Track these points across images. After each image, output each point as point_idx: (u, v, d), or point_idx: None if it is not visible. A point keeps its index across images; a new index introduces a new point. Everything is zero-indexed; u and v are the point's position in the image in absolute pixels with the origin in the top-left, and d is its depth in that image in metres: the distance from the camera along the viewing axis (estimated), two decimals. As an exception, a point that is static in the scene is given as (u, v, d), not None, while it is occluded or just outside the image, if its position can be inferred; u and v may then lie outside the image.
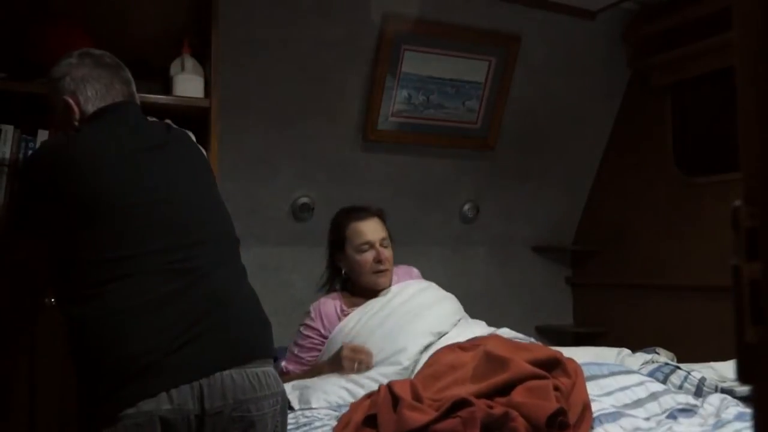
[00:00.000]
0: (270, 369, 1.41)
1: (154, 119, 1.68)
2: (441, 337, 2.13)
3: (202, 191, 1.52)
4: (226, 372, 1.32)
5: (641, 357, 2.27)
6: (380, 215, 2.35)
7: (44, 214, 1.41)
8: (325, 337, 2.21)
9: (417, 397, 1.61)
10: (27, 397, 1.90)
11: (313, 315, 2.25)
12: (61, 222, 1.37)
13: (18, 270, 1.88)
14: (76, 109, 1.50)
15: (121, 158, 1.41)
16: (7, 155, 1.87)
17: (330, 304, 2.27)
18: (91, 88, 1.51)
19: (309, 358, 2.22)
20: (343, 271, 2.34)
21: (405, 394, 1.61)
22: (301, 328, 2.26)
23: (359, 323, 2.16)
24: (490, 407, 1.54)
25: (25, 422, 1.89)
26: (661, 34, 3.03)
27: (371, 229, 2.28)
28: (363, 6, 2.60)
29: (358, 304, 2.25)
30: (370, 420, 1.61)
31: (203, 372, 1.29)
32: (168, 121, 1.67)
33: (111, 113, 1.51)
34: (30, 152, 1.89)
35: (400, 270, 2.42)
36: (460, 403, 1.52)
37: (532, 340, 2.23)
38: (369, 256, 2.25)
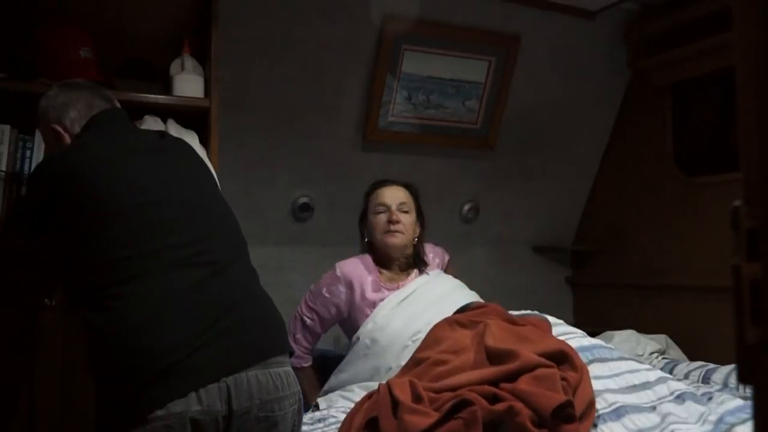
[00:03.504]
0: (289, 369, 1.43)
1: (147, 128, 1.71)
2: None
3: (208, 192, 1.56)
4: (252, 372, 1.32)
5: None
6: (408, 186, 2.40)
7: (55, 220, 1.43)
8: (339, 306, 2.24)
9: (417, 396, 1.60)
10: (27, 397, 1.90)
11: (338, 274, 2.27)
12: (72, 227, 1.38)
13: (18, 270, 1.88)
14: (64, 134, 1.56)
15: (123, 160, 1.45)
16: (5, 154, 1.88)
17: (361, 270, 2.28)
18: (73, 109, 1.57)
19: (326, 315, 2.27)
20: (365, 240, 2.38)
21: (405, 395, 1.59)
22: (323, 290, 2.27)
23: (389, 312, 2.18)
24: (495, 396, 1.53)
25: (25, 422, 1.89)
26: (661, 34, 3.03)
27: (389, 194, 2.34)
28: (363, 6, 2.60)
29: (389, 279, 2.29)
30: (372, 423, 1.61)
31: (229, 370, 1.30)
32: (162, 129, 1.70)
33: (102, 119, 1.56)
34: (28, 151, 1.91)
35: (432, 249, 2.45)
36: (461, 404, 1.52)
37: (536, 312, 2.21)
38: (383, 217, 2.30)
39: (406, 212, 2.32)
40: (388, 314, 2.16)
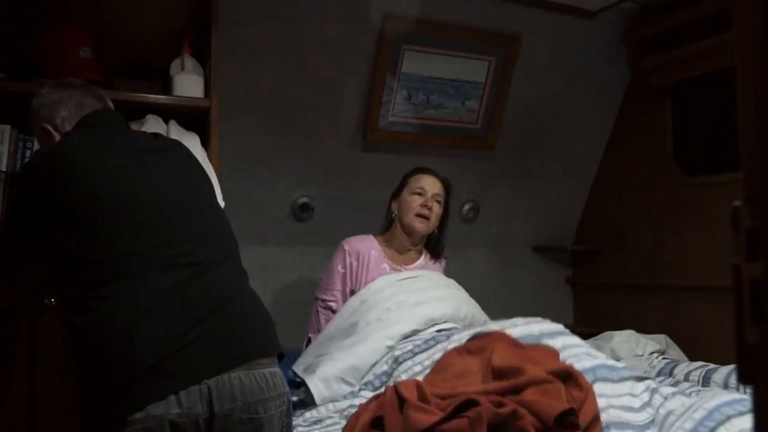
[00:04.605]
0: (276, 369, 1.41)
1: (145, 129, 1.70)
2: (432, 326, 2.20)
3: (200, 193, 1.54)
4: (234, 373, 1.31)
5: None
6: (445, 183, 2.55)
7: (43, 218, 1.41)
8: (351, 279, 2.38)
9: (423, 398, 1.60)
10: (27, 397, 1.90)
11: (347, 248, 2.42)
12: (60, 224, 1.37)
13: (18, 270, 1.88)
14: (55, 133, 1.56)
15: (111, 159, 1.43)
16: (5, 154, 1.88)
17: (367, 245, 2.44)
18: (64, 108, 1.56)
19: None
20: (393, 215, 2.51)
21: (411, 394, 1.60)
22: (338, 267, 2.40)
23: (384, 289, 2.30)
24: (500, 404, 1.53)
25: (25, 421, 1.89)
26: (661, 34, 3.03)
27: (430, 182, 2.50)
28: (363, 6, 2.60)
29: (392, 258, 2.45)
30: (377, 422, 1.61)
31: (210, 372, 1.28)
32: (161, 131, 1.69)
33: (94, 119, 1.55)
34: (28, 151, 1.91)
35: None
36: (467, 403, 1.51)
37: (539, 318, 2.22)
38: (419, 199, 2.46)
39: (438, 202, 2.49)
40: (383, 284, 2.31)
